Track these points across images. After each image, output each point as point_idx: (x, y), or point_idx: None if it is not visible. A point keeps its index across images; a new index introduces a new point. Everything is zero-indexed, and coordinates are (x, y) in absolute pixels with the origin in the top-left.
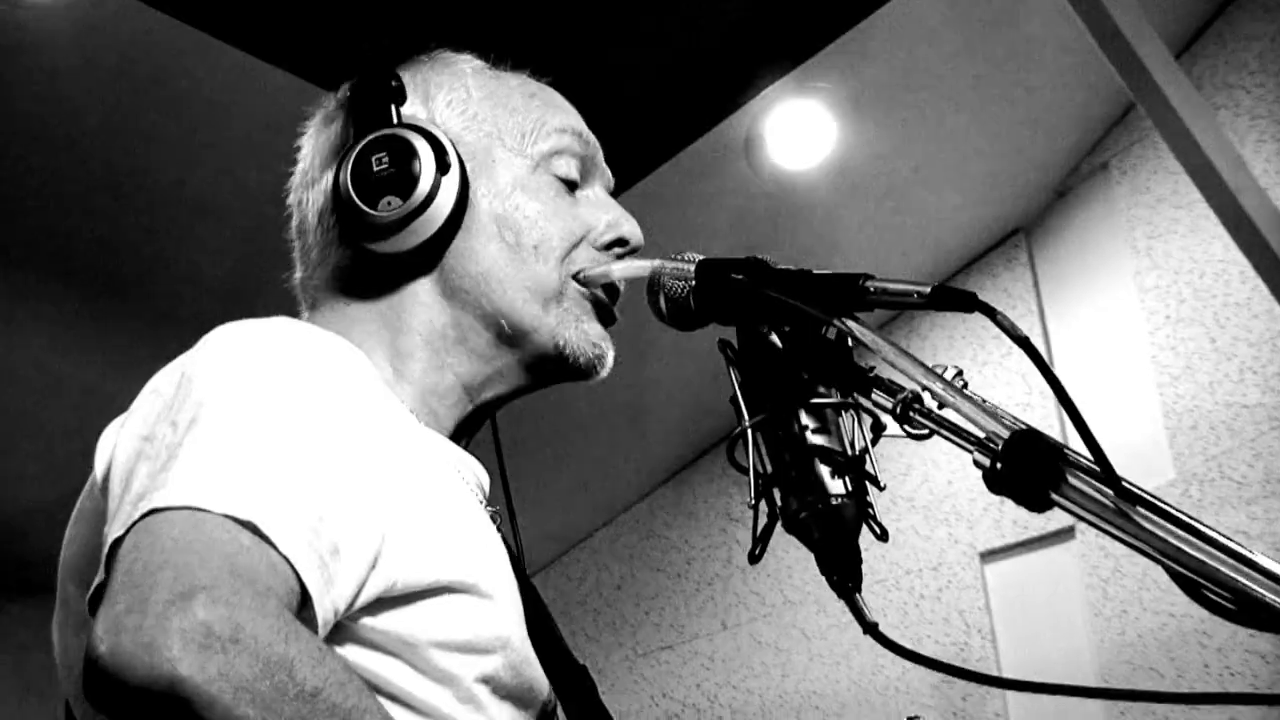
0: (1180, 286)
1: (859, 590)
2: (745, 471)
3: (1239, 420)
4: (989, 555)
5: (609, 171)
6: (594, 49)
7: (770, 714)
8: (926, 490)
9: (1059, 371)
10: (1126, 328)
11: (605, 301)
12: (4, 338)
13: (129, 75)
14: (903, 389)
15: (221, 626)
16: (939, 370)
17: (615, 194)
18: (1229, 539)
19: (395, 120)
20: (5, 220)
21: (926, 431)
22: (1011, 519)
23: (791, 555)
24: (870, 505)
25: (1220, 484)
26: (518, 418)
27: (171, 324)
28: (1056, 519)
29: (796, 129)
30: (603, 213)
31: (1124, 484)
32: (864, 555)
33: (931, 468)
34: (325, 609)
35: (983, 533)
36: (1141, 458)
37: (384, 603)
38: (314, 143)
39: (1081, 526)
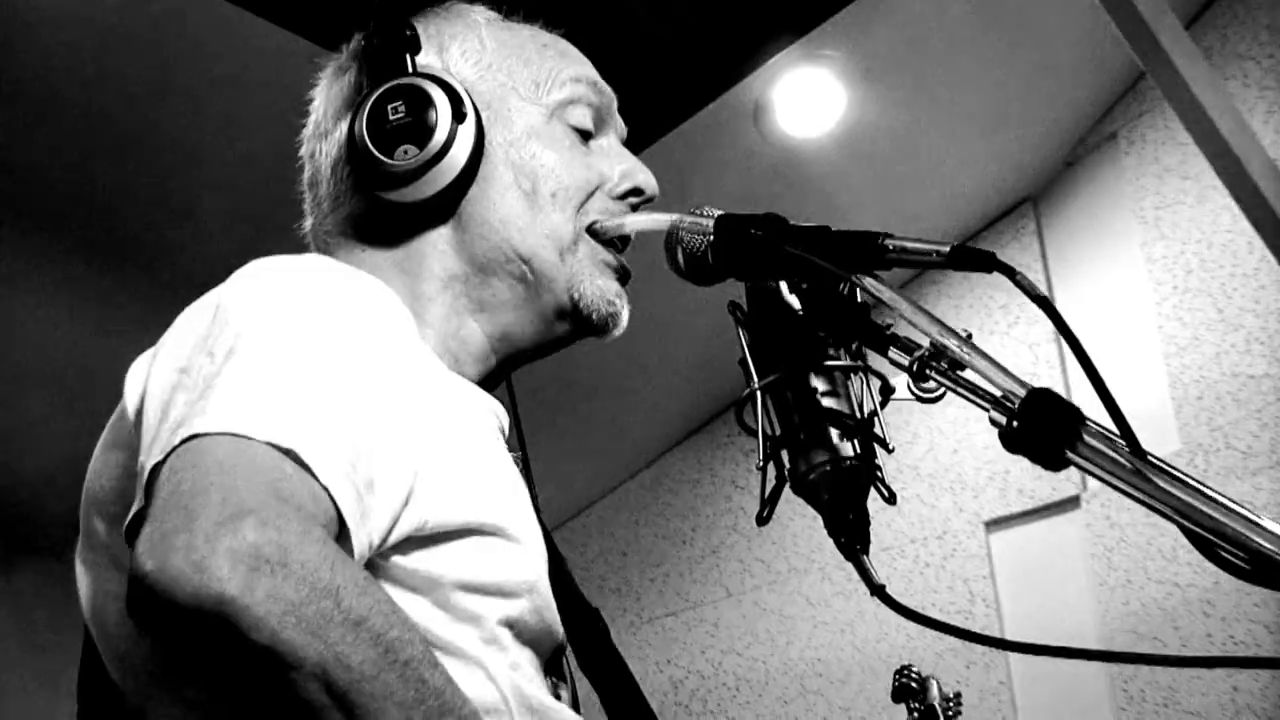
0: (1188, 257)
1: (867, 552)
2: (754, 433)
3: (1245, 391)
4: (994, 524)
5: (622, 122)
6: (603, 15)
7: (774, 681)
8: (932, 459)
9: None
10: (1133, 298)
11: (620, 263)
12: (11, 299)
13: (139, 40)
14: (919, 346)
15: (270, 549)
16: (951, 329)
17: None
18: (1237, 503)
19: (410, 70)
20: (14, 182)
21: (936, 395)
22: (1017, 488)
23: (796, 523)
24: (879, 468)
25: (1226, 454)
26: (524, 385)
27: (178, 287)
28: (1061, 488)
29: (805, 97)
30: (617, 162)
31: (1139, 447)
32: (870, 520)
33: (937, 436)
34: (360, 542)
35: (988, 501)
36: (1147, 428)
37: (414, 541)
38: (326, 94)
39: (1086, 495)
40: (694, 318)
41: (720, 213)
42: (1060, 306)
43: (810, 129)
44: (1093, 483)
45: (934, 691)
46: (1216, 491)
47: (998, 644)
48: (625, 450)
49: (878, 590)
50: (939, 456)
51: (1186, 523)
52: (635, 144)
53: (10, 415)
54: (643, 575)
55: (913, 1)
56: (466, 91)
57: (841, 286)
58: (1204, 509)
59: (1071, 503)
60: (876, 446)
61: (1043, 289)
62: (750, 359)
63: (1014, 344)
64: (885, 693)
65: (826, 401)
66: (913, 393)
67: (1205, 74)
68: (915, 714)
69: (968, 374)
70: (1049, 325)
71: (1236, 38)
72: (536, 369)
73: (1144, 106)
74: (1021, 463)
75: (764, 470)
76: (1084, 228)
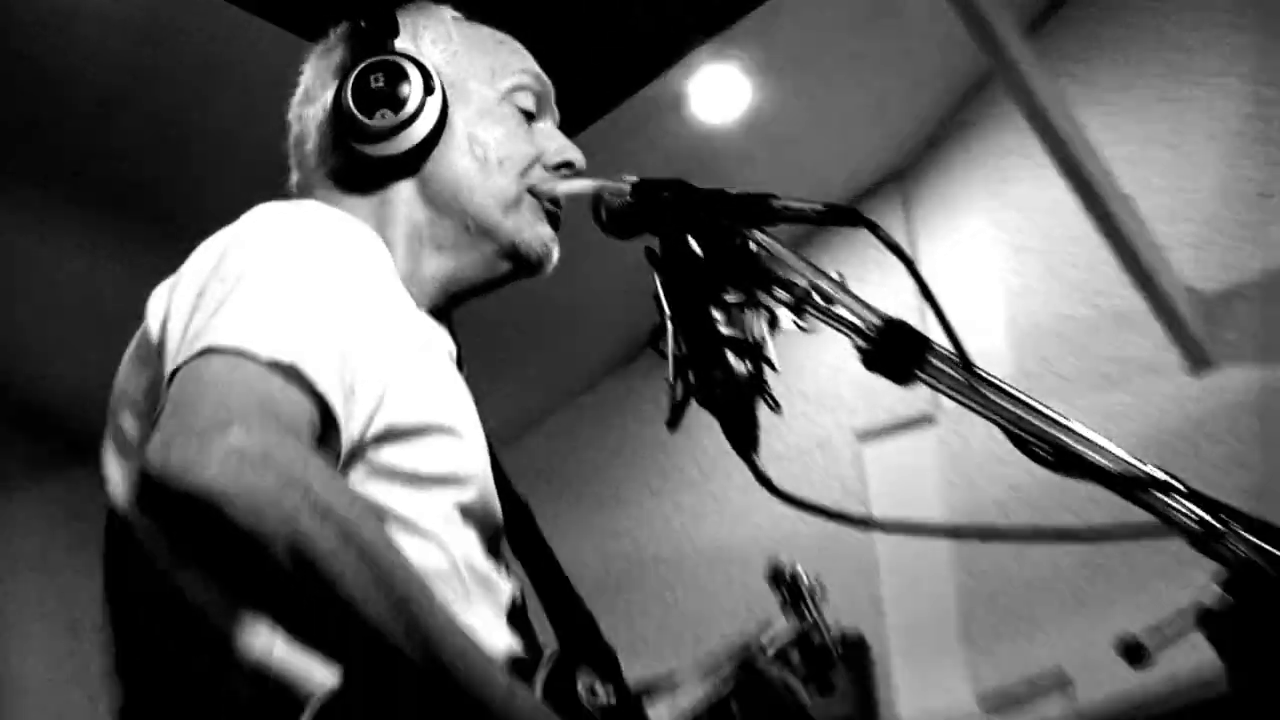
0: (1024, 221)
1: (756, 451)
2: (665, 356)
3: (1066, 328)
4: (865, 436)
5: (557, 111)
6: (546, 19)
7: (687, 561)
8: (814, 381)
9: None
10: (980, 255)
11: (554, 210)
12: (44, 241)
13: (156, 33)
14: (798, 286)
15: (253, 450)
16: (824, 270)
17: None
18: (1051, 409)
19: (390, 50)
20: (45, 148)
21: (815, 325)
22: (885, 406)
23: (708, 436)
24: (766, 383)
25: (1049, 379)
26: (476, 319)
27: (187, 231)
28: (920, 407)
29: (716, 90)
30: (552, 141)
31: (975, 367)
32: (762, 434)
33: (818, 362)
34: (346, 439)
35: (861, 417)
36: (988, 358)
37: (385, 438)
38: (314, 67)
39: (940, 414)
40: (625, 266)
41: (636, 178)
42: (922, 264)
43: (720, 117)
44: (946, 402)
45: (801, 575)
46: (1031, 397)
47: (860, 523)
48: (570, 377)
49: (764, 481)
50: (820, 380)
51: (1006, 423)
52: (572, 128)
53: (47, 340)
54: (584, 479)
55: (805, 9)
56: (435, 72)
57: (737, 238)
58: (1018, 412)
59: (928, 419)
60: (765, 366)
61: (907, 249)
62: (663, 295)
63: (884, 292)
64: None
65: (724, 330)
66: (795, 323)
67: (1041, 74)
68: (785, 593)
69: (838, 309)
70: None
71: (1068, 44)
72: (488, 307)
73: (992, 98)
74: (890, 384)
75: (673, 385)
76: (942, 197)
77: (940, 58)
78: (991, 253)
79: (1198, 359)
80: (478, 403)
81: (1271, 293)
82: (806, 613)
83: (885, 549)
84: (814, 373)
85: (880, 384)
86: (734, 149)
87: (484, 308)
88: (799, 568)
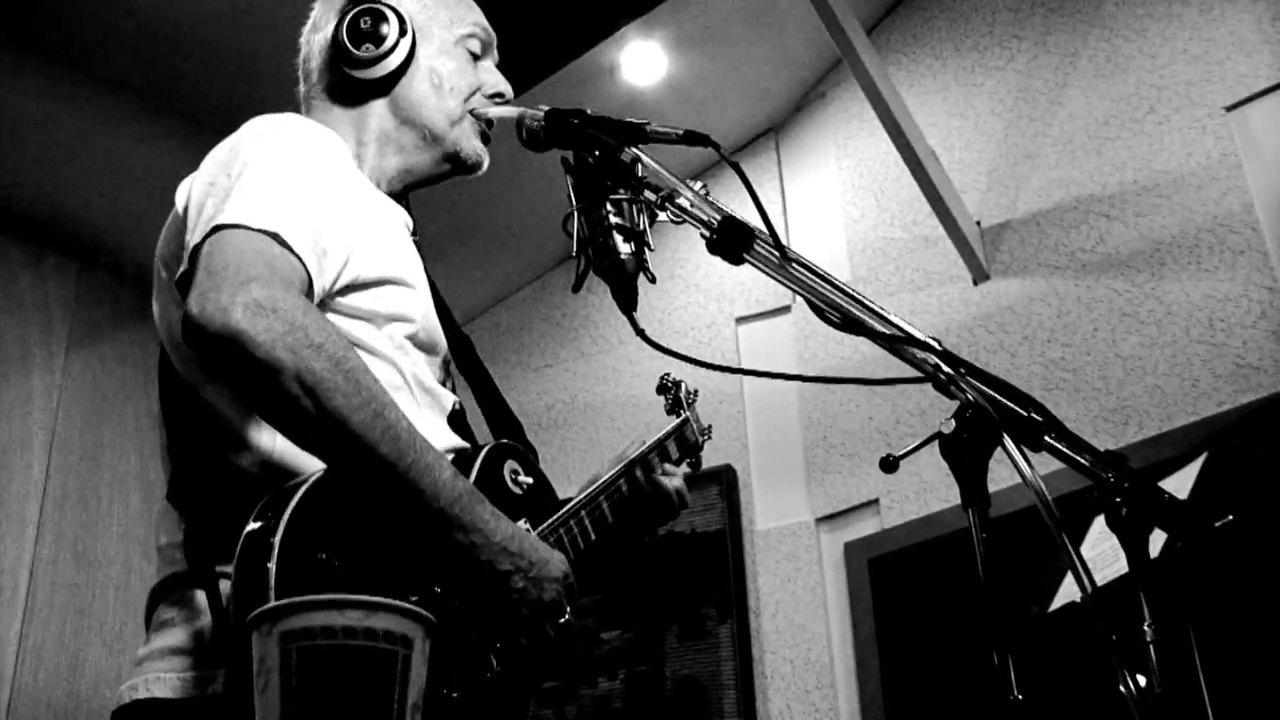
0: (861, 167)
1: (635, 310)
2: (571, 235)
3: (890, 247)
4: (742, 320)
5: (497, 54)
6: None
7: (606, 407)
8: (706, 278)
9: (794, 218)
10: (828, 190)
11: (484, 131)
12: (140, 150)
13: None
14: (663, 189)
15: (267, 301)
16: (688, 183)
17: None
18: (852, 290)
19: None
20: (118, 50)
21: (679, 220)
22: (756, 299)
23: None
24: (645, 261)
25: (875, 284)
26: (450, 231)
27: (214, 126)
28: (782, 299)
29: (641, 59)
30: (491, 76)
31: (786, 251)
32: (657, 319)
33: (710, 265)
34: (318, 290)
35: (738, 306)
36: (832, 266)
37: (353, 288)
38: (322, 5)
39: (796, 305)
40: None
41: (549, 108)
42: (787, 197)
43: (644, 81)
44: (799, 298)
45: (681, 384)
46: (830, 276)
47: (728, 369)
48: (524, 268)
49: (640, 333)
50: (711, 278)
51: (806, 294)
52: (527, 83)
53: (123, 200)
54: (533, 345)
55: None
56: (409, 18)
57: (621, 153)
58: (816, 286)
59: (787, 309)
60: (644, 248)
61: (777, 185)
62: (571, 192)
63: (744, 215)
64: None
65: (614, 219)
66: (668, 217)
67: (876, 60)
68: (668, 398)
69: (694, 209)
70: (780, 203)
71: (897, 41)
72: (467, 217)
73: (842, 76)
74: (760, 280)
75: (577, 258)
76: (803, 148)
77: (805, 45)
78: (836, 189)
79: (979, 273)
80: (456, 286)
81: (1031, 226)
82: (683, 412)
83: (750, 403)
84: (706, 273)
85: (753, 281)
86: (654, 108)
87: (463, 217)
88: (682, 382)
